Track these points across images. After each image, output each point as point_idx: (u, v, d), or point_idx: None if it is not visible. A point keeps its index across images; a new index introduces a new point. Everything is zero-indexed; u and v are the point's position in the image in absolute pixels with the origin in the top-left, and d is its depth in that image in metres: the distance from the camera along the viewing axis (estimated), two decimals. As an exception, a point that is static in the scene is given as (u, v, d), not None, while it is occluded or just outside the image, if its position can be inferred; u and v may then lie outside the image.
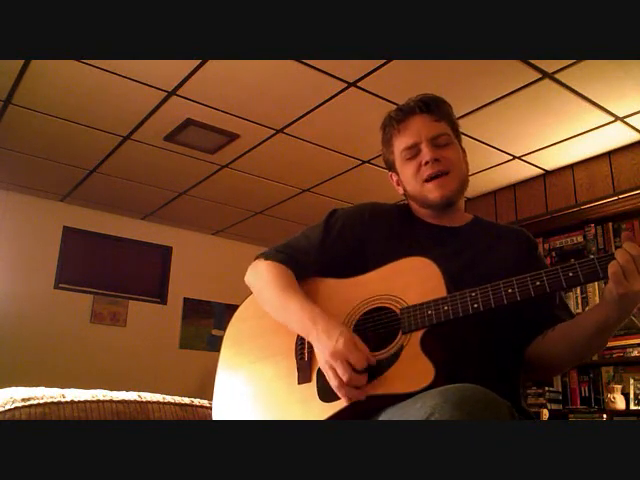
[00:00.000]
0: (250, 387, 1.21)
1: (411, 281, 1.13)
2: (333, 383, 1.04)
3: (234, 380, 1.25)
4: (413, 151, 1.28)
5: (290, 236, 1.36)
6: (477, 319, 1.07)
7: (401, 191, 1.38)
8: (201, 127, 3.43)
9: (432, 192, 1.26)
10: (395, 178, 1.38)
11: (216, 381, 1.27)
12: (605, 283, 1.01)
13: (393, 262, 1.17)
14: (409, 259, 1.16)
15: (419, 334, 1.06)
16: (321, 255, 1.28)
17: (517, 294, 1.03)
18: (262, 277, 1.28)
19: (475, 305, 1.04)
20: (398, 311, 1.11)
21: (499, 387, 0.95)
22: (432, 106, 1.29)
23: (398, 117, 1.30)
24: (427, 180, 1.26)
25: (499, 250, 1.27)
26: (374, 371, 1.05)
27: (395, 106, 1.34)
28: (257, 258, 1.34)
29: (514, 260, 1.21)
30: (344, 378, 1.02)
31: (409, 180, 1.30)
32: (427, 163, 1.25)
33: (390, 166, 1.38)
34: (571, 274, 1.00)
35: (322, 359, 1.08)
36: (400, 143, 1.30)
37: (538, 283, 1.02)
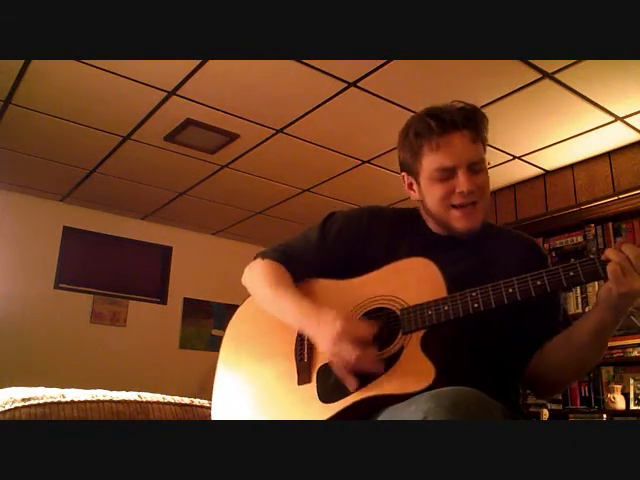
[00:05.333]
0: (250, 388, 1.21)
1: (411, 281, 1.13)
2: (345, 366, 1.03)
3: (234, 381, 1.25)
4: (447, 174, 1.18)
5: (290, 237, 1.36)
6: (478, 319, 1.06)
7: (414, 196, 1.29)
8: (201, 127, 3.43)
9: (458, 221, 1.19)
10: (408, 180, 1.29)
11: (215, 381, 1.27)
12: (605, 281, 1.00)
13: (393, 263, 1.17)
14: (409, 260, 1.16)
15: (419, 334, 1.06)
16: (319, 257, 1.27)
17: (517, 294, 1.02)
18: (256, 276, 1.29)
19: (475, 305, 1.04)
20: (398, 312, 1.10)
21: (498, 388, 0.95)
22: (473, 121, 1.19)
23: (439, 129, 1.17)
24: (454, 206, 1.19)
25: (505, 260, 1.22)
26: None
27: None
28: (255, 258, 1.35)
29: (519, 273, 1.09)
30: (353, 357, 1.02)
31: (434, 201, 1.21)
32: (461, 193, 1.17)
33: (408, 170, 1.27)
34: (572, 273, 1.00)
35: (326, 349, 1.07)
36: (434, 161, 1.19)
37: (539, 282, 1.01)
